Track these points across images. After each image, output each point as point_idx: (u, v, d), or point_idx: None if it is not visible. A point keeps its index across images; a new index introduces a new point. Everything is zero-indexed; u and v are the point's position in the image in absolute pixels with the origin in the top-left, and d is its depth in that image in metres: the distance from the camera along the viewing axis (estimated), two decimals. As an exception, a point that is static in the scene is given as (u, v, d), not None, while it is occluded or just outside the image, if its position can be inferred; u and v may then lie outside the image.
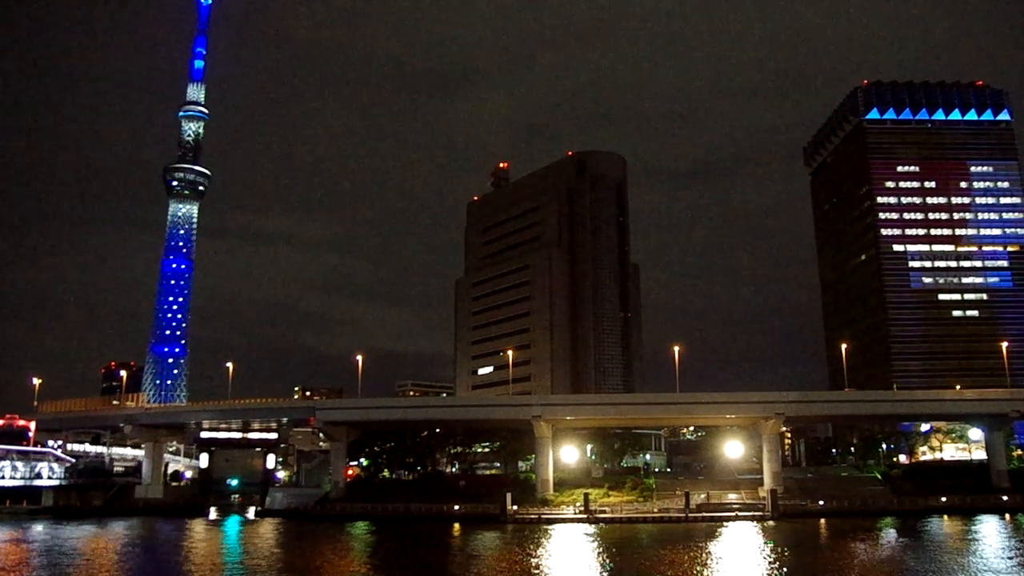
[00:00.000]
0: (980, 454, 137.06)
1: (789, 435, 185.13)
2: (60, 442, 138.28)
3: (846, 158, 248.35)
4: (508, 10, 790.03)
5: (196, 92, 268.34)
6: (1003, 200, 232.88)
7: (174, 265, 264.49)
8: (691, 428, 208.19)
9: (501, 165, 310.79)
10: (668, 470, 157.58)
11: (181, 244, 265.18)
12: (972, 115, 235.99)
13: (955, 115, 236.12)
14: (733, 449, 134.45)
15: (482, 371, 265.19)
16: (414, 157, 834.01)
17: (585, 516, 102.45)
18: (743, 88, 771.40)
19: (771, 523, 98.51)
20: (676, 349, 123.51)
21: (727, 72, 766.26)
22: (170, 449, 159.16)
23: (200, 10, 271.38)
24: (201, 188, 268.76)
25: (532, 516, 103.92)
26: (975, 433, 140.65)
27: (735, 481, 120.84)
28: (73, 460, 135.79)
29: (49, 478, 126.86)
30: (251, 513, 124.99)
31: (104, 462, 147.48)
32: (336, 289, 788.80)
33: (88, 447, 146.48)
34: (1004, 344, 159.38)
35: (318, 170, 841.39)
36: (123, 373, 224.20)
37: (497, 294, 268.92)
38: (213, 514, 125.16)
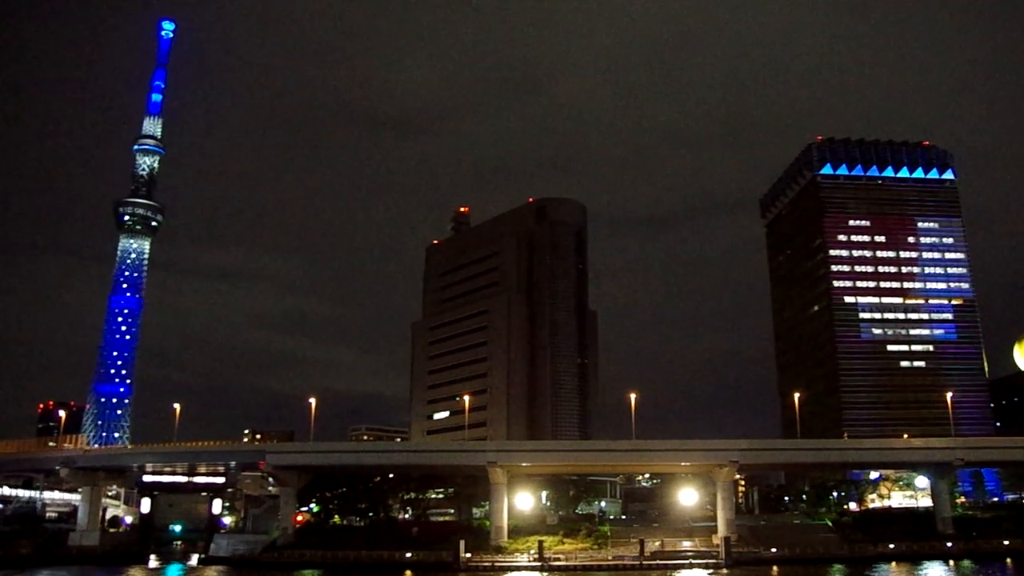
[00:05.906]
0: (926, 501, 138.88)
1: (743, 483, 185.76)
2: None
3: (800, 211, 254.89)
4: (462, 53, 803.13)
5: (153, 126, 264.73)
6: (948, 255, 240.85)
7: (122, 301, 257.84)
8: (646, 475, 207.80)
9: (461, 209, 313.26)
10: (623, 517, 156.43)
11: (131, 280, 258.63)
12: (920, 173, 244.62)
13: (904, 172, 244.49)
14: (688, 496, 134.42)
15: (438, 416, 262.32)
16: (373, 198, 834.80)
17: (539, 564, 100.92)
18: (698, 137, 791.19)
19: (725, 571, 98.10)
20: (632, 396, 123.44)
21: (682, 121, 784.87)
22: (109, 494, 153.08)
23: (160, 43, 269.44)
24: (154, 224, 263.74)
25: (486, 564, 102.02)
26: (922, 481, 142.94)
27: (689, 528, 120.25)
28: (0, 506, 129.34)
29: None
30: (194, 560, 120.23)
31: (35, 508, 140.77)
32: (290, 329, 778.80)
33: (19, 491, 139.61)
34: (949, 394, 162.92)
35: (276, 208, 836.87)
36: (61, 413, 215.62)
37: (455, 339, 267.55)
38: (153, 562, 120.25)
